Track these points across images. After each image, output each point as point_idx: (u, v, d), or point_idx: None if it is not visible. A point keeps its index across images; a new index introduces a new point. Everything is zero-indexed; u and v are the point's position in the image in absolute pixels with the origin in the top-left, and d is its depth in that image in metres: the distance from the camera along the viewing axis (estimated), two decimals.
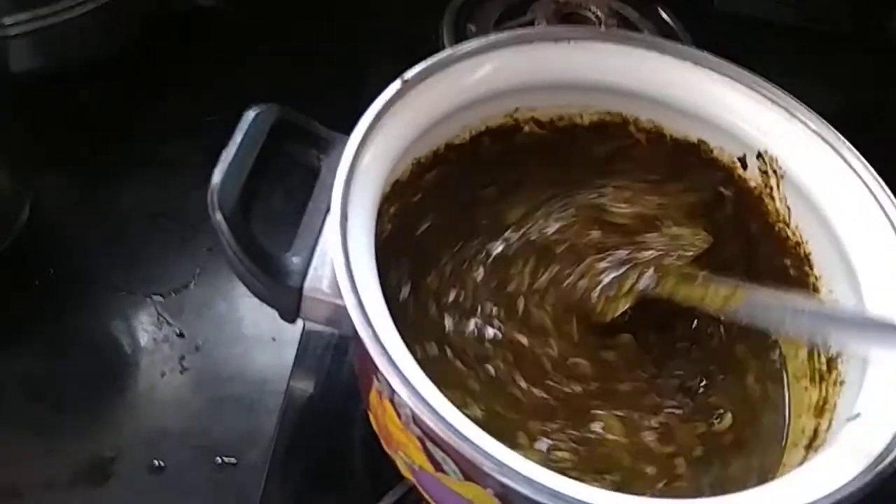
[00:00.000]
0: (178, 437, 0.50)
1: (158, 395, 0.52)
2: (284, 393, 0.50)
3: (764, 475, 0.37)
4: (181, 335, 0.54)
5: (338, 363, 0.51)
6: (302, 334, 0.51)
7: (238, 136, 0.33)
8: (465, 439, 0.27)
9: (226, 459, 0.49)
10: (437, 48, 0.56)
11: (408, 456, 0.33)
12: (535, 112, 0.45)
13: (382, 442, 0.36)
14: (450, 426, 0.27)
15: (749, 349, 0.42)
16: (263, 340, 0.54)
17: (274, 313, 0.35)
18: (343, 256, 0.30)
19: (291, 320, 0.35)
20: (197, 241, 0.58)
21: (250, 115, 0.34)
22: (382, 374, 0.28)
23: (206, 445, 0.50)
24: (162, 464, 0.49)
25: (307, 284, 0.33)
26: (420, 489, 0.35)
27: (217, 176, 0.32)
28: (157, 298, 0.56)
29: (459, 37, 0.61)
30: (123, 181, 0.61)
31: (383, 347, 0.28)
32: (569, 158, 0.44)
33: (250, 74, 0.66)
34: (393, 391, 0.29)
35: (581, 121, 0.45)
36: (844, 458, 0.30)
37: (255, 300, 0.55)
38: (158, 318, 0.55)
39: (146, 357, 0.53)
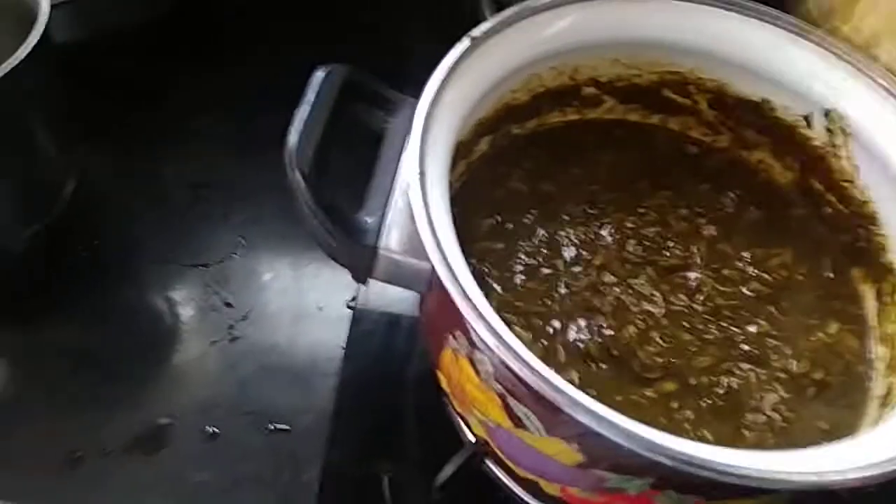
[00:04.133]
0: (230, 405, 0.50)
1: (209, 363, 0.52)
2: (342, 361, 0.50)
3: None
4: (229, 304, 0.54)
5: (390, 335, 0.50)
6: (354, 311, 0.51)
7: (311, 95, 0.33)
8: (557, 389, 0.27)
9: (279, 426, 0.49)
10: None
11: (485, 414, 0.33)
12: (595, 72, 0.44)
13: (455, 402, 0.36)
14: (541, 376, 0.27)
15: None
16: (310, 310, 0.54)
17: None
18: (425, 213, 0.30)
19: (363, 280, 0.35)
20: (239, 211, 0.58)
21: (320, 74, 0.34)
22: (472, 328, 0.28)
23: (258, 412, 0.50)
24: (216, 430, 0.49)
25: (382, 243, 0.33)
26: (494, 448, 0.35)
27: (293, 135, 0.31)
28: (203, 269, 0.56)
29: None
30: (162, 152, 0.61)
31: (471, 302, 0.28)
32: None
33: (284, 41, 0.65)
34: (474, 347, 0.29)
35: (640, 80, 0.45)
36: None
37: (300, 270, 0.56)
38: (206, 288, 0.55)
39: (195, 326, 0.53)
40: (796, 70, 0.41)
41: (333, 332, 0.52)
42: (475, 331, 0.28)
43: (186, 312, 0.54)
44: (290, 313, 0.55)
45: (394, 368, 0.50)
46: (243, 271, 0.56)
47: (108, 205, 0.59)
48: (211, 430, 0.49)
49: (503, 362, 0.28)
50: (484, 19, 0.37)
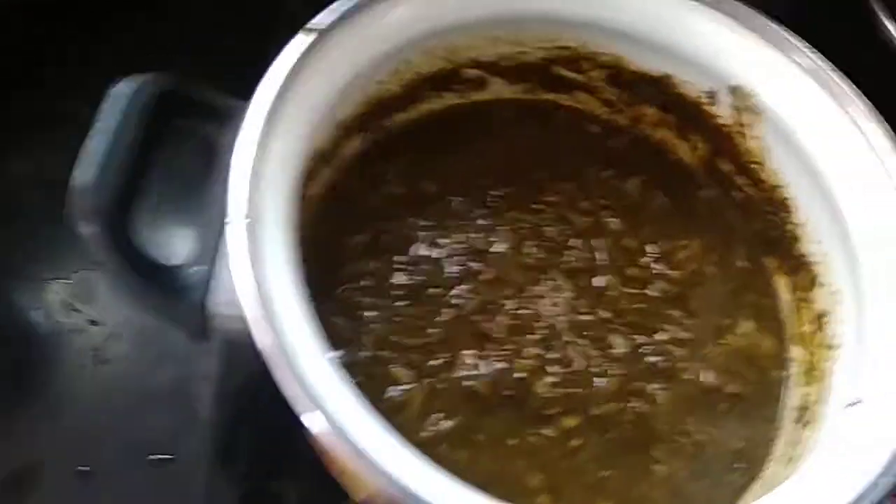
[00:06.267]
0: (103, 437, 0.45)
1: (76, 392, 0.47)
2: (216, 379, 0.45)
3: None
4: (94, 322, 0.48)
5: None
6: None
7: (104, 121, 0.26)
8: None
9: (160, 456, 0.45)
10: None
11: (352, 487, 0.29)
12: (475, 52, 0.38)
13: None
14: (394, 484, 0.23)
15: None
16: None
17: None
18: (249, 269, 0.24)
19: (202, 340, 0.29)
20: None
21: (119, 92, 0.27)
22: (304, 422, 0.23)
23: (136, 442, 0.45)
24: (88, 468, 0.44)
25: (213, 298, 0.27)
26: None
27: (81, 175, 0.25)
28: (63, 282, 0.49)
29: None
30: (13, 143, 0.53)
31: (307, 393, 0.23)
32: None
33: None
34: None
35: (527, 58, 0.39)
36: (842, 467, 0.26)
37: None
38: (66, 306, 0.49)
39: (57, 351, 0.48)
40: (699, 42, 0.36)
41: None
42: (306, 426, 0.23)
43: (46, 336, 0.48)
44: (165, 326, 0.49)
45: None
46: (110, 283, 0.50)
47: None
48: (84, 469, 0.44)
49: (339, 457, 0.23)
50: None
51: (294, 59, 0.30)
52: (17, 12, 0.53)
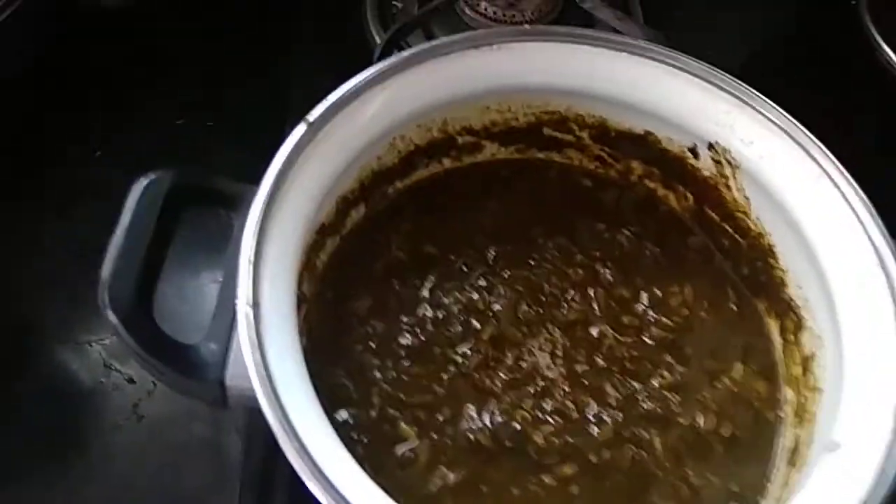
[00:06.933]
0: (142, 492, 0.47)
1: (115, 449, 0.49)
2: (242, 434, 0.47)
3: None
4: (131, 381, 0.51)
5: None
6: None
7: (126, 216, 0.29)
8: None
9: None
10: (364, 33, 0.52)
11: None
12: (466, 122, 0.41)
13: None
14: None
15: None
16: None
17: None
18: (258, 353, 0.27)
19: (224, 409, 0.32)
20: None
21: (137, 190, 0.30)
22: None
23: (173, 497, 0.47)
24: None
25: (229, 373, 0.30)
26: None
27: (106, 269, 0.28)
28: (101, 344, 0.52)
29: (384, 16, 0.56)
30: (50, 212, 0.56)
31: (318, 471, 0.26)
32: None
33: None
34: None
35: (517, 123, 0.42)
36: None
37: None
38: (105, 365, 0.51)
39: (97, 410, 0.50)
40: (675, 103, 0.38)
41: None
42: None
43: (87, 395, 0.50)
44: None
45: None
46: None
47: None
48: None
49: None
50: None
51: (290, 149, 0.32)
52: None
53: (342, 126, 0.34)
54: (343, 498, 0.26)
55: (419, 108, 0.37)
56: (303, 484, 0.42)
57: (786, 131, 0.36)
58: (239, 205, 0.33)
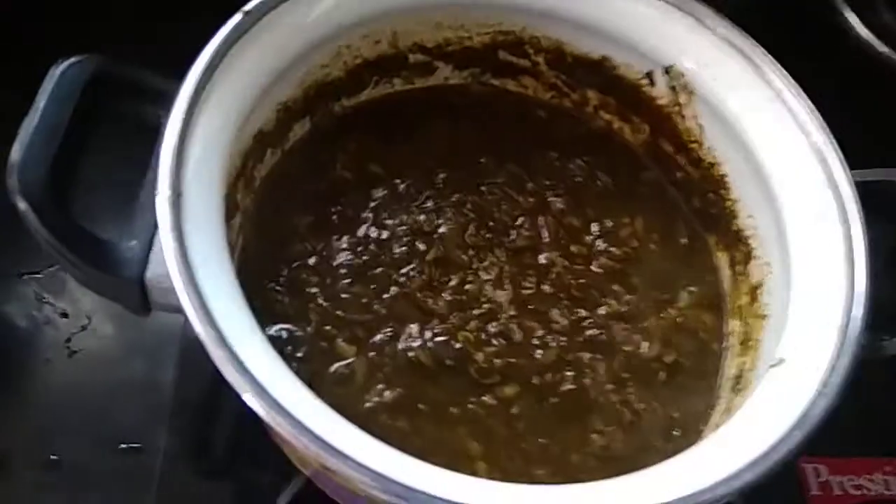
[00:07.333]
0: (73, 427, 0.46)
1: (47, 383, 0.48)
2: (176, 370, 0.46)
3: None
4: (65, 315, 0.49)
5: None
6: None
7: (41, 101, 0.27)
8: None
9: (129, 444, 0.45)
10: None
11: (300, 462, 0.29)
12: (418, 37, 0.39)
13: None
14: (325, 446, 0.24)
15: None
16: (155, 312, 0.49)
17: None
18: (176, 246, 0.25)
19: (144, 314, 0.30)
20: (71, 200, 0.52)
21: (56, 72, 0.28)
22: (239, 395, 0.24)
23: (105, 432, 0.46)
24: (58, 458, 0.45)
25: (150, 272, 0.28)
26: (316, 484, 0.31)
27: (16, 152, 0.26)
28: (33, 276, 0.50)
29: None
30: None
31: (243, 372, 0.24)
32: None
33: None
34: None
35: (472, 43, 0.40)
36: (760, 423, 0.27)
37: None
38: (37, 298, 0.50)
39: (29, 343, 0.49)
40: (632, 25, 0.37)
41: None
42: (243, 400, 0.24)
43: (18, 329, 0.49)
44: (133, 318, 0.50)
45: None
46: None
47: None
48: (54, 458, 0.45)
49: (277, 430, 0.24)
50: None
51: (222, 38, 0.31)
52: None
53: (282, 20, 0.32)
54: (282, 408, 0.25)
55: (368, 12, 0.35)
56: (239, 415, 0.40)
57: (741, 51, 0.35)
58: (169, 102, 0.31)
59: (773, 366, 0.30)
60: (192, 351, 0.46)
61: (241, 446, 0.45)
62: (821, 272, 0.32)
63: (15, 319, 0.49)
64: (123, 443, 0.46)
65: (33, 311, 0.49)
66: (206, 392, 0.47)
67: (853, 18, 0.55)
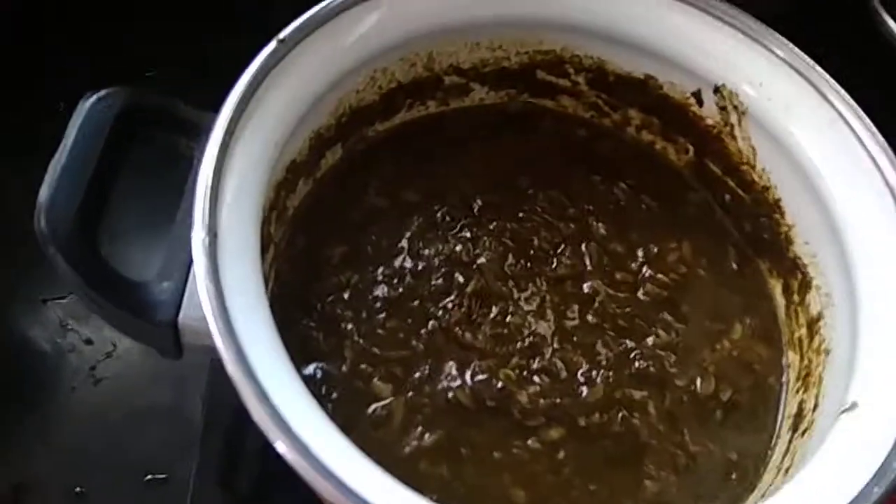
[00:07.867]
0: (98, 457, 0.45)
1: (71, 412, 0.47)
2: (208, 398, 0.45)
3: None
4: (89, 342, 0.48)
5: None
6: None
7: (70, 137, 0.26)
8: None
9: (155, 476, 0.45)
10: None
11: None
12: (454, 58, 0.38)
13: None
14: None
15: None
16: None
17: None
18: (213, 288, 0.24)
19: (176, 357, 0.29)
20: None
21: (85, 105, 0.27)
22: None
23: (131, 463, 0.45)
24: (83, 489, 0.44)
25: (184, 315, 0.27)
26: None
27: (44, 193, 0.25)
28: (57, 301, 0.49)
29: None
30: (8, 165, 0.53)
31: (273, 415, 0.23)
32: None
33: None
34: None
35: (509, 63, 0.39)
36: (836, 475, 0.25)
37: None
38: (61, 325, 0.49)
39: (53, 371, 0.48)
40: (679, 41, 0.35)
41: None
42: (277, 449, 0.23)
43: (42, 356, 0.48)
44: None
45: None
46: None
47: None
48: (79, 490, 0.44)
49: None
50: None
51: (258, 67, 0.29)
52: None
53: (318, 46, 0.31)
54: (315, 459, 0.23)
55: (406, 35, 0.34)
56: (268, 446, 0.39)
57: (798, 70, 0.33)
58: (201, 134, 0.30)
59: (845, 410, 0.28)
60: (220, 378, 0.45)
61: (270, 477, 0.44)
62: (893, 303, 0.30)
63: (39, 346, 0.48)
64: (149, 474, 0.45)
65: (57, 337, 0.48)
66: (233, 421, 0.46)
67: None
